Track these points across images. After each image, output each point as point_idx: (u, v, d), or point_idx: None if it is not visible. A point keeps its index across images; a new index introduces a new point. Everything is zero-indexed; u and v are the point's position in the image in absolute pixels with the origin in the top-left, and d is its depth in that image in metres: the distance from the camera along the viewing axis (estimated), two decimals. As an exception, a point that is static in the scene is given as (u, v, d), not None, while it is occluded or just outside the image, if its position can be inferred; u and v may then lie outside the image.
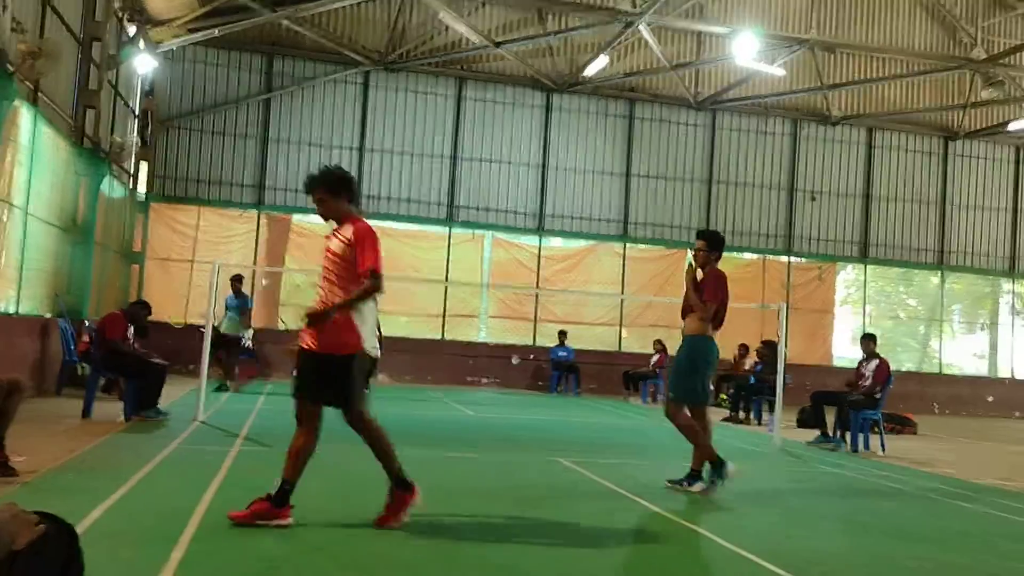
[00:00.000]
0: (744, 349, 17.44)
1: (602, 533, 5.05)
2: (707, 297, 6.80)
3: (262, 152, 19.00)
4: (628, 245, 20.44)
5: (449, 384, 18.55)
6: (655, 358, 18.07)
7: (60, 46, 10.83)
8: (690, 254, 7.17)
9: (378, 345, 13.15)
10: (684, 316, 6.96)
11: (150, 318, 10.16)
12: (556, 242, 20.87)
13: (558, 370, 18.86)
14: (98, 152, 13.72)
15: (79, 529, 2.16)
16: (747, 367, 17.05)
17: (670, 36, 20.21)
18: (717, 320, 6.82)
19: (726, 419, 14.15)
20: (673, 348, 20.27)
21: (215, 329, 13.40)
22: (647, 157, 20.78)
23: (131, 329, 9.56)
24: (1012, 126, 20.89)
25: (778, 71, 19.15)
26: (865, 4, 20.97)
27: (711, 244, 7.13)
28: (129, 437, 7.86)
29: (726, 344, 19.18)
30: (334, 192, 4.95)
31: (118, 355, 9.24)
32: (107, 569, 3.57)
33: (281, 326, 18.05)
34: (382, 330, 13.58)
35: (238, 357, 14.46)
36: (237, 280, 14.33)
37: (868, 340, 11.10)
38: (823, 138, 21.67)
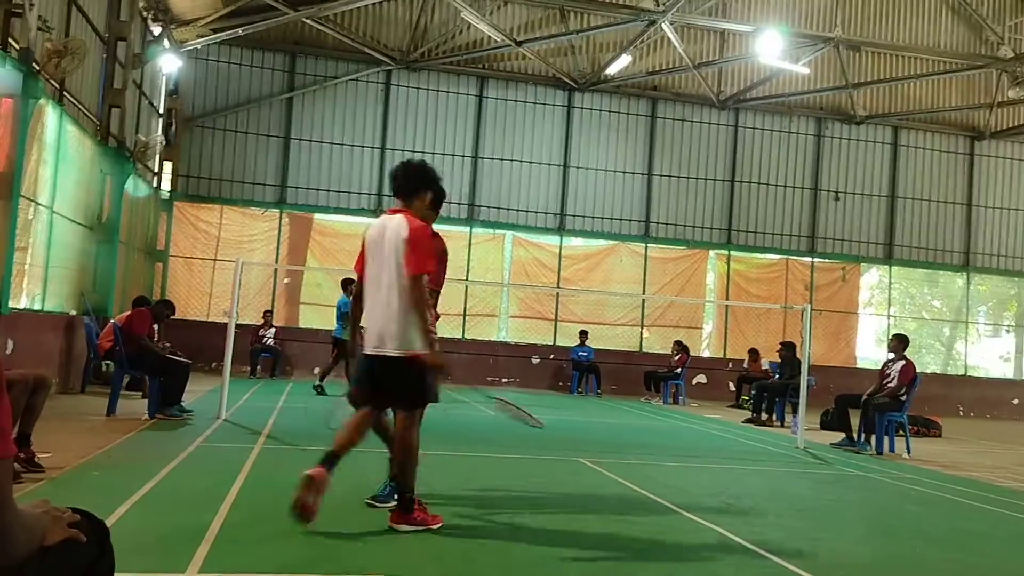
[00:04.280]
0: (755, 354, 17.47)
1: (622, 533, 5.02)
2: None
3: (284, 151, 19.08)
4: (649, 245, 20.35)
5: (470, 384, 18.54)
6: (676, 358, 17.99)
7: (85, 45, 10.91)
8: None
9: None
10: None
11: (177, 316, 10.24)
12: (577, 242, 20.83)
13: (578, 370, 18.80)
14: (123, 151, 13.84)
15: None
16: (764, 367, 17.02)
17: (693, 34, 20.13)
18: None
19: (748, 420, 14.05)
20: (694, 348, 20.14)
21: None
22: (669, 156, 20.68)
23: (155, 327, 9.63)
24: (1040, 125, 20.66)
25: (802, 70, 19.01)
26: (891, 2, 20.81)
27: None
28: (153, 434, 7.91)
29: (747, 346, 19.27)
30: None
31: (144, 352, 9.31)
32: (133, 564, 3.59)
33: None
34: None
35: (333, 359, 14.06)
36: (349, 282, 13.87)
37: (898, 339, 10.95)
38: (847, 137, 21.49)
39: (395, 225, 4.66)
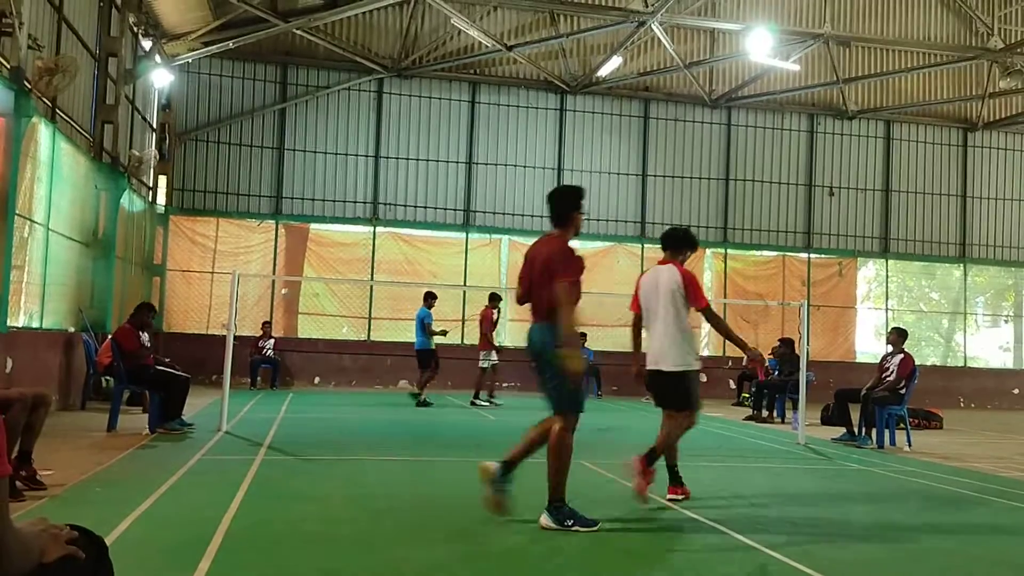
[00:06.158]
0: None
1: (622, 533, 5.03)
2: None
3: (278, 162, 19.10)
4: (646, 245, 20.35)
5: (470, 388, 18.52)
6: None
7: (76, 62, 10.93)
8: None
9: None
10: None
11: (176, 330, 10.19)
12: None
13: (578, 372, 18.77)
14: (117, 166, 13.85)
15: (107, 541, 2.17)
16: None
17: (683, 34, 20.17)
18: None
19: (748, 418, 14.06)
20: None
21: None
22: (663, 156, 20.72)
23: (144, 336, 9.58)
24: (1032, 115, 20.69)
25: (793, 67, 19.05)
26: (879, -4, 20.89)
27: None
28: (154, 449, 7.91)
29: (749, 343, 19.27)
30: None
31: (142, 367, 9.31)
32: (135, 580, 3.60)
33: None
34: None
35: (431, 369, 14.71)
36: (432, 296, 14.88)
37: (896, 333, 10.95)
38: (840, 132, 21.54)
39: (668, 275, 6.21)
